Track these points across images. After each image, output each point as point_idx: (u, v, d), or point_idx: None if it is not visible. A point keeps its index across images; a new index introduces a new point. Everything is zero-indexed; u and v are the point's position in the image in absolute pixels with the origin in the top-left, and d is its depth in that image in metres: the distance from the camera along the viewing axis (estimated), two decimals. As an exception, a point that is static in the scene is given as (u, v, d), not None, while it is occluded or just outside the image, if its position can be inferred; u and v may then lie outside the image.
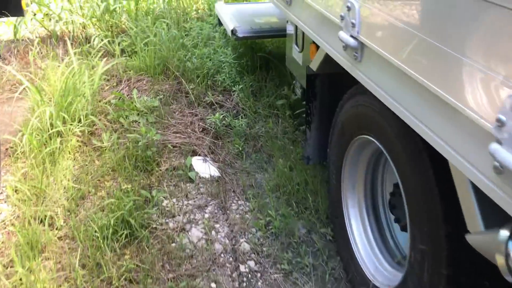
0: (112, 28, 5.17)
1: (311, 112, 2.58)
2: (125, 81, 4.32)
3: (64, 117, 3.33)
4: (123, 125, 3.60)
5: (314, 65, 2.36)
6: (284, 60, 3.39)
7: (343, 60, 1.84)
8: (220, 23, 4.61)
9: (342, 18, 1.75)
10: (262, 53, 4.27)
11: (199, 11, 5.67)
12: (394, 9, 1.43)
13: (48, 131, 3.17)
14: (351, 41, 1.68)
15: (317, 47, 2.29)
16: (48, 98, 3.67)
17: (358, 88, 1.97)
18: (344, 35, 1.73)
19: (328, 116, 2.61)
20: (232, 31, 3.85)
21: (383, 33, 1.54)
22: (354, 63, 1.74)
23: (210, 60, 4.34)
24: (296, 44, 2.84)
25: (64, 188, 2.89)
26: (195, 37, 4.74)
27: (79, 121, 3.46)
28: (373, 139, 1.92)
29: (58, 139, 3.20)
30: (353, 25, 1.67)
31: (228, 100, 4.00)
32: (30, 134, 3.10)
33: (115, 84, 4.29)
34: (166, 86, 4.20)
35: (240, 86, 3.88)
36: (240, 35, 3.73)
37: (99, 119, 3.63)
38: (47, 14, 5.57)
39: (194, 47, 4.60)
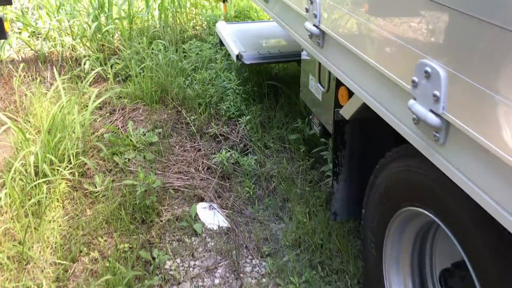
0: (104, 48, 4.78)
1: (339, 163, 2.22)
2: (119, 110, 3.93)
3: (51, 159, 2.94)
4: (117, 164, 3.22)
5: (347, 112, 2.00)
6: (294, 85, 3.03)
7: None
8: (221, 43, 4.24)
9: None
10: (270, 80, 3.90)
11: (197, 28, 5.30)
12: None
13: (33, 180, 2.78)
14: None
15: (350, 91, 1.93)
16: (34, 134, 3.28)
17: (408, 149, 1.61)
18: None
19: (358, 167, 2.25)
20: (237, 56, 3.48)
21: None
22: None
23: (212, 86, 3.96)
24: (320, 83, 2.47)
25: (52, 248, 2.50)
26: (195, 59, 4.37)
27: (69, 161, 3.08)
28: (428, 213, 1.55)
29: (45, 186, 2.81)
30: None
31: (234, 131, 3.63)
32: (12, 185, 2.70)
33: (108, 113, 3.90)
34: (164, 115, 3.82)
35: (247, 117, 3.51)
36: (246, 61, 3.36)
37: (91, 156, 3.25)
38: (33, 32, 5.18)
39: (194, 71, 4.23)
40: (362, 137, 2.18)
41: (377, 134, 2.03)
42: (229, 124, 3.72)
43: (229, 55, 4.32)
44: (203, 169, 3.22)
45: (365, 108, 1.77)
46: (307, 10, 2.05)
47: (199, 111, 3.76)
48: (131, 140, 3.44)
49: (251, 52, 3.52)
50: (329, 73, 2.28)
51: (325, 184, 2.90)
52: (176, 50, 4.49)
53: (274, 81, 3.91)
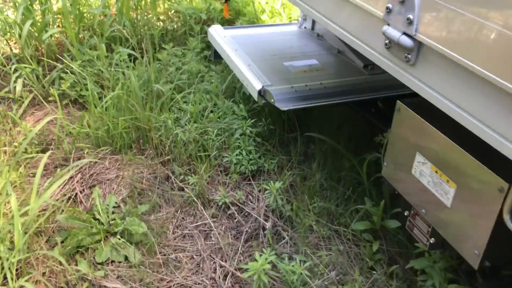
0: (43, 55, 3.40)
1: None
2: (74, 159, 2.66)
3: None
4: (85, 277, 2.01)
5: None
6: (339, 131, 1.86)
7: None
8: (216, 55, 3.02)
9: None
10: (298, 118, 2.76)
11: (174, 26, 3.97)
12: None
13: None
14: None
15: None
16: None
17: None
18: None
19: None
20: (260, 93, 2.32)
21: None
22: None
23: (209, 121, 2.76)
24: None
25: None
26: (177, 76, 3.12)
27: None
28: None
29: None
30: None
31: (252, 198, 2.50)
32: None
33: (56, 167, 2.62)
34: (145, 171, 2.60)
35: (277, 185, 2.36)
36: (283, 107, 2.20)
37: (36, 262, 2.02)
38: None
39: (179, 92, 2.99)
40: None
41: None
42: (242, 184, 2.57)
43: (228, 71, 3.12)
44: (224, 279, 2.08)
45: None
46: (389, 11, 1.45)
47: (198, 164, 2.58)
48: (100, 222, 2.22)
49: (281, 86, 2.36)
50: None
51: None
52: (149, 61, 3.21)
53: (306, 121, 2.78)
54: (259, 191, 2.52)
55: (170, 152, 2.66)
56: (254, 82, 2.37)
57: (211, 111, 2.84)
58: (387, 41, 1.43)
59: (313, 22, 3.06)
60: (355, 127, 2.76)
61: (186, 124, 2.74)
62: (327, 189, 2.46)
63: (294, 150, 2.67)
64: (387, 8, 1.42)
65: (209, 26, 3.78)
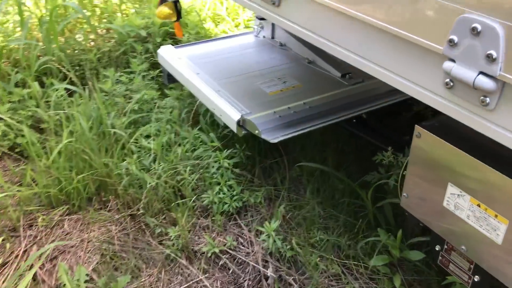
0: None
1: None
2: (24, 227, 2.23)
3: None
4: None
5: None
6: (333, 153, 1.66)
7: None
8: (170, 80, 2.68)
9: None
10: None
11: (108, 45, 3.54)
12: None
13: None
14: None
15: None
16: None
17: None
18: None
19: None
20: (239, 123, 2.02)
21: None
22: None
23: (177, 157, 2.42)
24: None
25: None
26: (128, 106, 2.74)
27: None
28: None
29: None
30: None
31: (243, 241, 2.21)
32: None
33: (5, 240, 2.19)
34: (113, 229, 2.23)
35: (273, 225, 2.08)
36: (272, 139, 1.91)
37: None
38: None
39: (135, 126, 2.62)
40: None
41: None
42: (229, 226, 2.27)
43: (187, 94, 2.80)
44: None
45: None
46: (452, 45, 1.12)
47: (176, 213, 2.24)
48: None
49: (262, 113, 2.08)
50: None
51: None
52: (93, 94, 2.79)
53: (287, 142, 2.51)
54: (250, 230, 2.24)
55: (139, 201, 2.30)
56: (229, 112, 2.07)
57: (178, 144, 2.50)
58: (447, 80, 1.16)
59: (273, 29, 2.79)
60: (341, 142, 2.54)
61: (151, 166, 2.38)
62: (326, 218, 2.21)
63: (280, 177, 2.40)
64: (450, 41, 1.11)
65: (148, 42, 3.42)
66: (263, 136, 1.94)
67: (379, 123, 2.29)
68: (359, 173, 2.29)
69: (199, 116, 2.66)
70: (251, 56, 2.61)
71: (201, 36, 3.50)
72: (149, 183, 2.27)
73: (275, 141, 1.91)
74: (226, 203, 2.28)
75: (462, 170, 1.42)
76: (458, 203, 1.45)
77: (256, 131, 1.96)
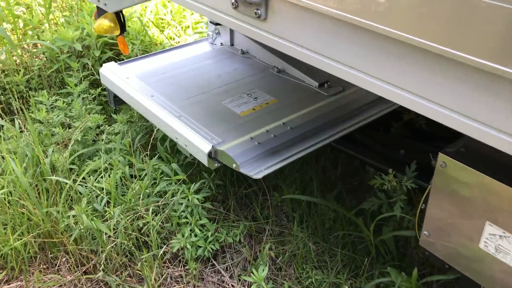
0: None
1: None
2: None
3: None
4: None
5: None
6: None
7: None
8: (117, 102, 2.28)
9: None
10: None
11: (36, 63, 3.05)
12: None
13: None
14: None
15: None
16: None
17: None
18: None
19: None
20: (211, 155, 1.68)
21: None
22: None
23: (136, 196, 2.04)
24: None
25: None
26: (70, 136, 2.32)
27: None
28: None
29: None
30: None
31: (226, 291, 1.87)
32: None
33: None
34: (66, 295, 1.83)
35: (261, 273, 1.76)
36: (255, 174, 1.58)
37: None
38: None
39: (79, 160, 2.20)
40: None
41: None
42: (206, 274, 1.92)
43: (138, 116, 2.42)
44: None
45: None
46: None
47: (142, 267, 1.86)
48: None
49: (236, 140, 1.73)
50: None
51: None
52: (24, 126, 2.33)
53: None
54: (231, 277, 1.90)
55: (95, 256, 1.90)
56: (197, 142, 1.72)
57: (134, 177, 2.12)
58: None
59: (232, 35, 2.44)
60: (324, 158, 2.25)
61: (105, 210, 1.99)
62: (319, 253, 1.92)
63: (259, 207, 2.08)
64: None
65: (84, 56, 2.98)
66: (243, 171, 1.60)
67: (367, 136, 2.01)
68: (350, 195, 2.02)
69: (156, 141, 2.28)
70: (210, 69, 2.26)
71: (146, 46, 3.09)
72: (105, 233, 1.88)
73: (259, 176, 1.58)
74: (200, 247, 1.93)
75: (503, 206, 1.16)
76: (501, 245, 1.19)
77: (234, 165, 1.62)
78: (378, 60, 1.03)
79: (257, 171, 1.60)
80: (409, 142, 1.97)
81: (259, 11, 1.21)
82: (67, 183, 2.01)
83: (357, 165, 2.25)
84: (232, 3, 1.27)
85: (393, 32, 0.95)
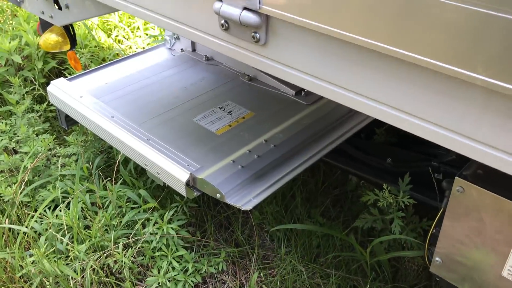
0: None
1: None
2: None
3: None
4: None
5: None
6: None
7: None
8: (70, 122, 2.03)
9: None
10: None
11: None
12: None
13: None
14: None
15: None
16: None
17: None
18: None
19: None
20: (189, 184, 1.49)
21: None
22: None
23: (101, 230, 1.82)
24: None
25: None
26: (19, 163, 2.04)
27: None
28: None
29: None
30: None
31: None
32: None
33: None
34: None
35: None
36: (244, 205, 1.41)
37: None
38: None
39: (32, 192, 1.94)
40: None
41: None
42: (189, 311, 1.74)
43: (93, 136, 2.19)
44: None
45: None
46: None
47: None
48: None
49: (217, 165, 1.55)
50: None
51: None
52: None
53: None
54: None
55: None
56: (172, 170, 1.52)
57: (98, 206, 1.89)
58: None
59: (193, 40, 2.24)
60: (309, 171, 2.11)
61: (69, 249, 1.75)
62: (310, 276, 1.78)
63: (240, 230, 1.91)
64: None
65: (24, 69, 2.67)
66: (229, 201, 1.43)
67: (349, 144, 1.88)
68: (335, 205, 1.89)
69: (117, 164, 2.05)
70: (174, 80, 2.05)
71: (94, 52, 2.82)
72: (71, 278, 1.66)
73: (249, 207, 1.41)
74: (180, 281, 1.75)
75: (530, 233, 1.06)
76: (528, 274, 1.10)
77: (218, 195, 1.44)
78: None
79: (245, 201, 1.43)
80: (395, 149, 1.87)
81: (257, 34, 1.03)
82: (20, 235, 1.75)
83: (339, 174, 2.13)
84: (222, 24, 1.08)
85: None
